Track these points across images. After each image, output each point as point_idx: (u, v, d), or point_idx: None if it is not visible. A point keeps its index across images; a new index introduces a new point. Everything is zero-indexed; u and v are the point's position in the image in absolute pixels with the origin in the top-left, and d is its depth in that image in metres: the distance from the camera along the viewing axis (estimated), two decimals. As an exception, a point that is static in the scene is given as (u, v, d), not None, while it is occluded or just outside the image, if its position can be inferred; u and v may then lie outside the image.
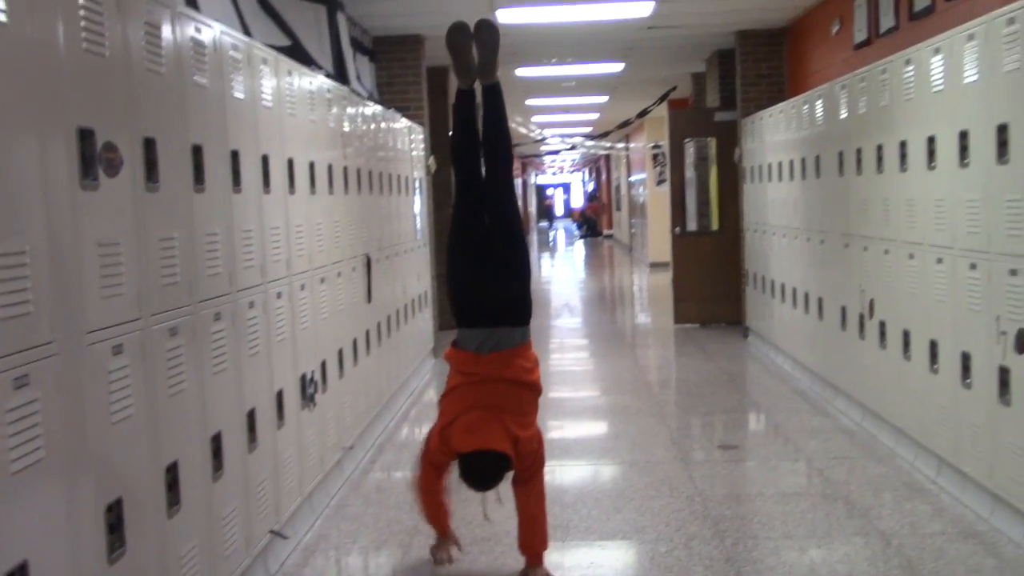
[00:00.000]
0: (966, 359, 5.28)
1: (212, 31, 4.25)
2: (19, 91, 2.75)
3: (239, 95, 4.56)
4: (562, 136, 26.79)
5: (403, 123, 9.12)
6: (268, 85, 5.01)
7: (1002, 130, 4.84)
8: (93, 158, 3.12)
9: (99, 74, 3.22)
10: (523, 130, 22.39)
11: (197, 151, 4.00)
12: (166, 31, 3.74)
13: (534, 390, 4.54)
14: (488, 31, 4.70)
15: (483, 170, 4.74)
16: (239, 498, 4.33)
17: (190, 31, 4.01)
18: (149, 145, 3.54)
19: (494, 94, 4.77)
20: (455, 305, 4.69)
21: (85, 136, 3.08)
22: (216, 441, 4.08)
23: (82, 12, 3.10)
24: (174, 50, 3.82)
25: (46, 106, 2.89)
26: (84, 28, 3.10)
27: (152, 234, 3.55)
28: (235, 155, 4.46)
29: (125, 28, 3.40)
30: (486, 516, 4.70)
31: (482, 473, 4.36)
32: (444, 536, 4.83)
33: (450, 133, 5.01)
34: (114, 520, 3.16)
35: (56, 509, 2.85)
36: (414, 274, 9.36)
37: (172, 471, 3.64)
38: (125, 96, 3.40)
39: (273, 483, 4.81)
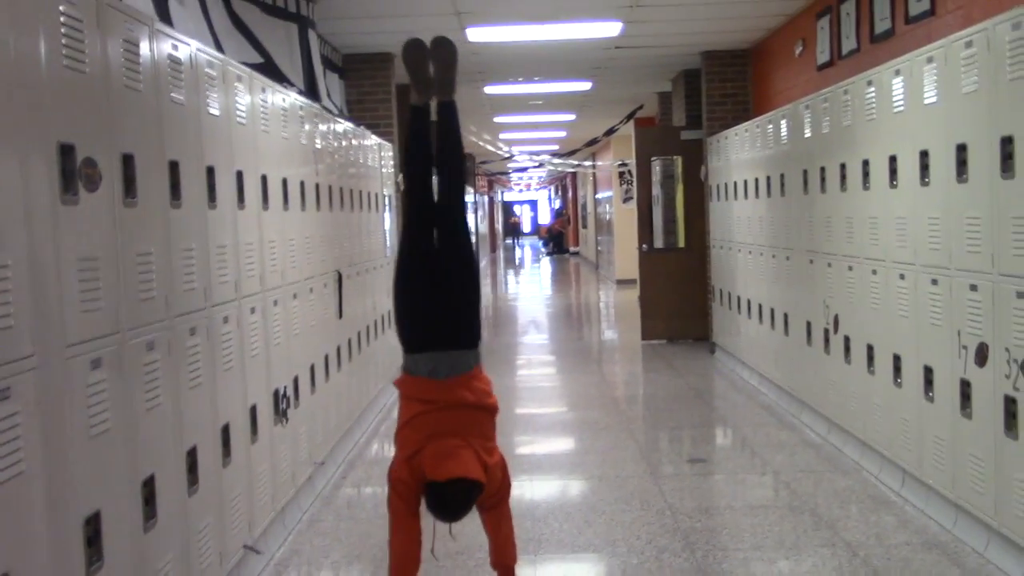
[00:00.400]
0: (928, 372, 5.38)
1: (188, 48, 4.28)
2: (2, 105, 2.77)
3: (214, 112, 4.58)
4: (530, 153, 26.88)
5: (373, 140, 9.16)
6: (242, 102, 5.04)
7: (961, 150, 4.95)
8: (73, 173, 3.14)
9: (79, 90, 3.24)
10: (491, 147, 22.46)
11: (174, 167, 4.03)
12: (144, 48, 3.77)
13: (493, 413, 4.36)
14: (444, 48, 4.61)
15: (435, 189, 4.57)
16: (213, 513, 4.34)
17: (167, 48, 4.04)
18: (127, 161, 3.56)
19: (450, 112, 4.63)
20: (405, 329, 4.43)
21: (66, 152, 3.10)
22: (191, 456, 4.09)
23: (63, 29, 3.12)
24: (152, 67, 3.85)
25: (28, 121, 2.91)
26: (65, 44, 3.13)
27: (130, 249, 3.57)
28: (211, 171, 4.48)
29: (104, 45, 3.43)
30: (433, 552, 4.42)
31: (457, 502, 4.11)
32: None
33: (403, 151, 4.86)
34: (92, 533, 3.17)
35: (36, 522, 2.86)
36: (384, 290, 9.38)
37: (149, 485, 3.64)
38: (104, 112, 3.43)
39: (247, 498, 4.82)
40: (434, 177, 4.58)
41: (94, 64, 3.34)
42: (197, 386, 4.18)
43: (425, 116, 4.63)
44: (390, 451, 7.62)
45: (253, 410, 4.97)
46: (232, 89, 4.88)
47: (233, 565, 4.58)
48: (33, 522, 2.84)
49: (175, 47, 4.12)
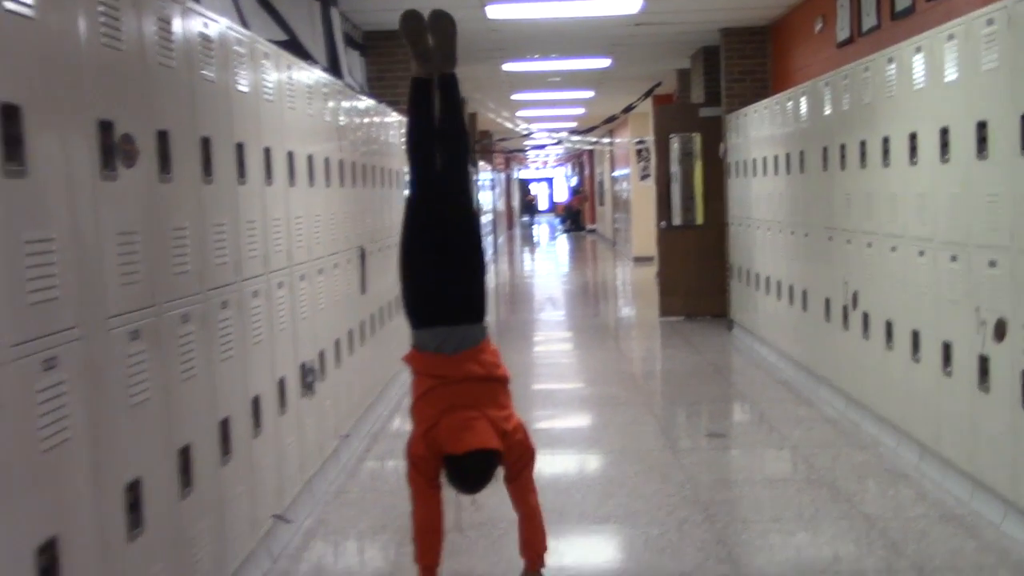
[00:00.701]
0: (947, 348, 5.43)
1: (218, 25, 4.35)
2: (46, 83, 2.85)
3: (243, 89, 4.66)
4: (548, 131, 26.90)
5: (393, 117, 9.22)
6: (270, 79, 5.11)
7: (981, 127, 4.98)
8: (112, 149, 3.22)
9: (116, 67, 3.31)
10: (508, 124, 22.48)
11: (205, 143, 4.10)
12: (176, 25, 3.84)
13: (505, 383, 4.39)
14: (442, 20, 4.60)
15: (438, 163, 4.56)
16: (245, 482, 4.44)
17: (198, 26, 4.10)
18: (162, 137, 3.64)
19: (451, 85, 4.64)
20: (412, 305, 4.48)
21: (105, 128, 3.18)
22: (224, 426, 4.19)
23: (100, 7, 3.19)
24: (184, 44, 3.92)
25: (69, 98, 2.99)
26: (103, 23, 3.20)
27: (166, 224, 3.65)
28: (240, 147, 4.56)
29: (140, 22, 3.50)
30: (460, 526, 4.52)
31: (477, 473, 4.17)
32: None
33: (404, 128, 4.87)
34: (132, 500, 3.27)
35: (81, 488, 2.95)
36: (404, 267, 9.46)
37: (184, 454, 3.74)
38: (140, 89, 3.50)
39: (276, 469, 4.92)
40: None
41: (130, 42, 3.41)
42: (229, 358, 4.27)
43: (426, 88, 4.62)
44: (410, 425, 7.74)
45: (282, 383, 5.06)
46: (260, 66, 4.95)
47: (263, 534, 4.68)
48: (78, 488, 2.94)
49: (206, 24, 4.19)
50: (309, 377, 5.58)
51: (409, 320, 4.47)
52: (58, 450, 2.80)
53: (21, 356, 2.64)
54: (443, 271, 4.40)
